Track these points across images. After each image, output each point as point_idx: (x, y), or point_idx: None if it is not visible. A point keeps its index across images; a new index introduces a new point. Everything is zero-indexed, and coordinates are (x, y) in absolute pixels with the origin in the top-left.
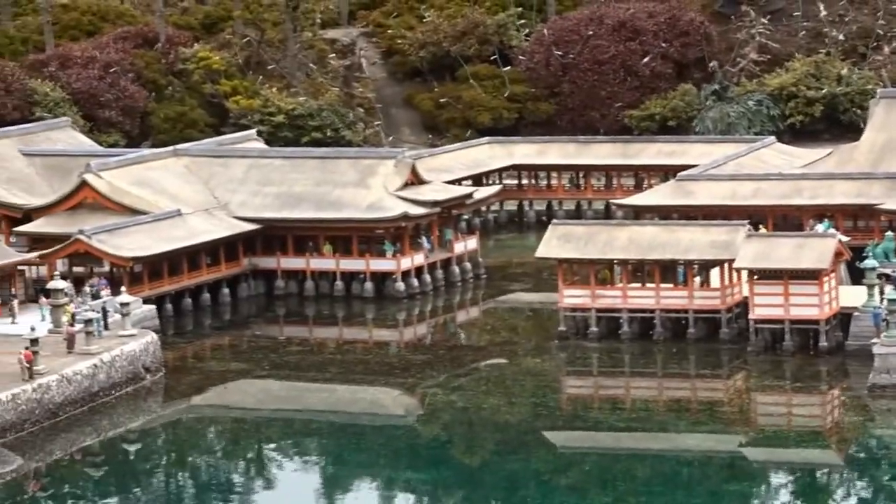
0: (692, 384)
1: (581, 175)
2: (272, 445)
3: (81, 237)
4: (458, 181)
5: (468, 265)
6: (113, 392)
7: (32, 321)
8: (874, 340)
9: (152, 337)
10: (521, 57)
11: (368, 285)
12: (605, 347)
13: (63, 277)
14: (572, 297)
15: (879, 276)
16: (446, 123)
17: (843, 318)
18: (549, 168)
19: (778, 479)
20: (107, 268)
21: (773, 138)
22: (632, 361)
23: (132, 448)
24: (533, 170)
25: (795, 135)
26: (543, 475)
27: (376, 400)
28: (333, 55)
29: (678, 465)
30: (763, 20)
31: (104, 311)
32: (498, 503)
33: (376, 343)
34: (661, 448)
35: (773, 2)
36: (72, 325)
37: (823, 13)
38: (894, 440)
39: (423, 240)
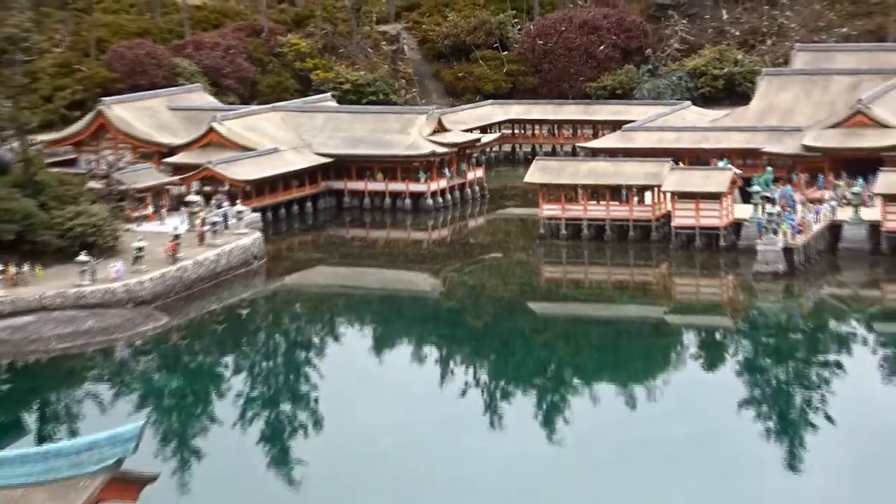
0: (631, 271)
1: (556, 127)
2: (340, 309)
3: (209, 166)
4: (470, 130)
5: (476, 188)
6: (230, 273)
7: (175, 223)
8: (757, 241)
9: (258, 235)
10: (514, 45)
11: (407, 201)
12: (571, 245)
13: (196, 193)
14: (549, 210)
15: (761, 197)
16: (462, 91)
17: (736, 226)
18: (533, 122)
19: (689, 336)
20: (226, 187)
21: (688, 103)
22: (589, 255)
23: (244, 311)
24: (522, 123)
25: (705, 101)
26: (527, 332)
27: (412, 280)
28: (384, 42)
29: (621, 325)
30: (683, 21)
31: (225, 217)
32: (495, 351)
33: (413, 241)
34: (609, 315)
35: (690, 7)
36: (203, 226)
37: (725, 16)
38: (770, 309)
39: (446, 170)
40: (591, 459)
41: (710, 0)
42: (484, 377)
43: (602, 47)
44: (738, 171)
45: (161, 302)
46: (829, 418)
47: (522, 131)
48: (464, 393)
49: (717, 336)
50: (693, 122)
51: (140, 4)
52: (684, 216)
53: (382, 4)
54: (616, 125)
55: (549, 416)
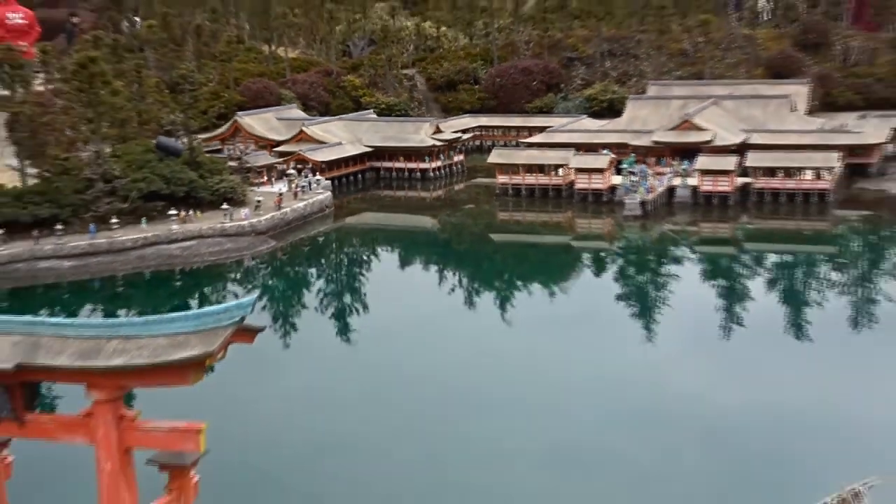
0: (550, 216)
1: (506, 130)
2: (378, 236)
3: (300, 152)
4: (455, 132)
5: (459, 167)
6: (312, 216)
7: (280, 187)
8: (625, 198)
9: (329, 194)
10: (482, 81)
11: (418, 174)
12: (515, 201)
13: (293, 169)
14: (502, 179)
15: (628, 172)
16: (451, 109)
17: (613, 189)
18: (493, 127)
19: (585, 252)
20: (310, 165)
21: (585, 116)
22: (526, 206)
23: (321, 238)
24: (487, 128)
25: (594, 115)
26: (488, 250)
27: (420, 220)
28: (405, 79)
29: (545, 246)
30: (583, 67)
31: (310, 183)
32: (469, 260)
33: (420, 198)
34: (537, 240)
35: (587, 59)
36: (296, 188)
37: (608, 64)
38: (632, 236)
39: (441, 156)
40: (522, 324)
41: (598, 54)
42: (462, 275)
43: (535, 83)
44: (613, 156)
45: (271, 233)
46: (665, 302)
47: (487, 132)
48: (451, 284)
49: (601, 253)
50: (588, 127)
51: (260, 57)
52: (582, 183)
53: (404, 57)
54: (542, 129)
55: (502, 299)
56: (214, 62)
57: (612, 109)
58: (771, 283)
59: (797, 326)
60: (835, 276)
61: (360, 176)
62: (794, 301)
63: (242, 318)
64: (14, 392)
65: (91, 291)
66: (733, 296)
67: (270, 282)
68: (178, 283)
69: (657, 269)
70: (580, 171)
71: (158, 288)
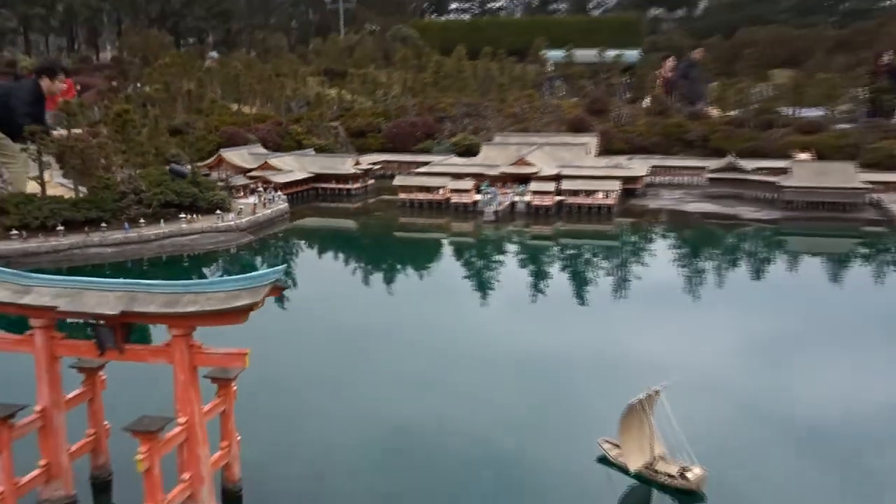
0: (434, 220)
1: (402, 163)
2: (316, 233)
3: (266, 176)
4: (369, 164)
5: (371, 188)
6: (276, 219)
7: (253, 199)
8: (484, 209)
9: (286, 205)
10: (384, 129)
11: (344, 192)
12: (412, 210)
13: (261, 187)
14: (403, 195)
15: (485, 192)
16: (363, 149)
17: (475, 202)
18: (393, 161)
19: (455, 245)
20: (273, 185)
21: (453, 155)
22: (419, 214)
23: (281, 234)
24: (388, 162)
25: (459, 155)
26: (393, 243)
27: (345, 222)
28: (333, 128)
29: (429, 241)
30: (450, 123)
31: (273, 197)
32: (378, 250)
33: (346, 208)
34: (425, 236)
35: (454, 119)
36: (264, 200)
37: (466, 121)
38: (488, 234)
39: (359, 180)
40: (411, 289)
41: (460, 114)
42: (371, 258)
43: (418, 133)
44: (474, 182)
45: (249, 230)
46: (504, 274)
47: (388, 165)
48: (365, 263)
49: (466, 246)
50: (456, 163)
51: (229, 112)
52: (456, 199)
53: (330, 113)
54: (426, 163)
55: (398, 272)
56: (199, 115)
57: (470, 151)
58: (572, 261)
59: (587, 290)
60: (614, 257)
61: (305, 193)
62: (588, 272)
63: (276, 280)
64: (116, 330)
65: (126, 269)
66: (548, 268)
67: (249, 259)
68: (187, 263)
69: (503, 252)
70: (454, 191)
71: (174, 266)
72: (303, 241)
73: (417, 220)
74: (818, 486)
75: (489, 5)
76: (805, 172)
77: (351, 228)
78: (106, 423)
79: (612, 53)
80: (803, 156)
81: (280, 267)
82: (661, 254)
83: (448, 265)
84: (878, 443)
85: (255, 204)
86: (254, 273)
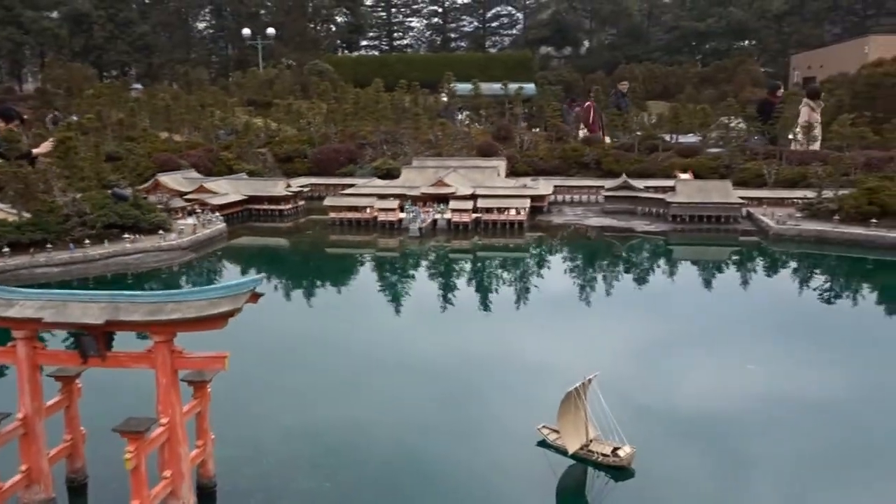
0: (363, 238)
1: (329, 186)
2: (249, 251)
3: (203, 198)
4: (299, 186)
5: (301, 208)
6: (215, 239)
7: (192, 220)
8: (409, 226)
9: (224, 225)
10: (311, 155)
11: (277, 213)
12: (341, 229)
13: (198, 208)
14: (333, 214)
15: (408, 211)
16: (290, 174)
17: (400, 220)
18: (321, 184)
19: (382, 260)
20: (209, 207)
21: (376, 178)
22: (348, 232)
23: (220, 252)
24: (315, 184)
25: (381, 177)
26: (322, 259)
27: (278, 241)
28: (261, 154)
29: (358, 256)
30: (370, 148)
31: (211, 218)
32: (307, 265)
33: (280, 227)
34: (354, 251)
35: (372, 144)
36: (202, 220)
37: (385, 147)
38: (412, 249)
39: (291, 201)
40: (339, 305)
41: (379, 141)
42: (307, 272)
43: (341, 157)
44: (399, 202)
45: (191, 248)
46: (425, 283)
47: (315, 187)
48: (296, 276)
49: (391, 259)
50: (379, 184)
51: (162, 141)
52: (383, 217)
53: (257, 140)
54: (350, 185)
55: (328, 284)
56: (130, 143)
57: (390, 175)
58: (483, 270)
59: (507, 297)
60: (522, 266)
61: (240, 214)
62: (498, 279)
63: (255, 288)
64: (99, 339)
65: (72, 287)
66: (462, 276)
67: (192, 276)
68: (131, 281)
69: (429, 265)
70: (381, 209)
71: (119, 283)
72: (242, 258)
73: (347, 237)
74: (723, 457)
75: (396, 43)
76: (688, 190)
77: (285, 245)
78: (82, 428)
79: (513, 86)
80: (684, 175)
81: (259, 276)
82: (568, 263)
83: (379, 277)
84: (755, 428)
85: (194, 224)
86: (233, 282)
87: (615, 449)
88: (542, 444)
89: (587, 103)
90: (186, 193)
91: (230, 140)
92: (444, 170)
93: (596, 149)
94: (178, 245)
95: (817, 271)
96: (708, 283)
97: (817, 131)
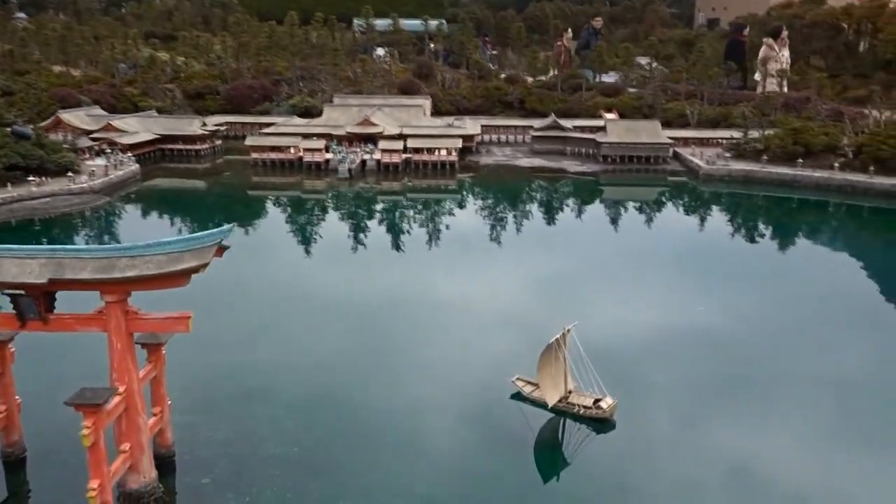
0: (288, 179)
1: (245, 125)
2: (171, 194)
3: (113, 137)
4: (215, 125)
5: (219, 148)
6: (129, 181)
7: (101, 161)
8: (338, 166)
9: (137, 166)
10: (223, 92)
11: (193, 153)
12: (264, 169)
13: (107, 148)
14: (255, 155)
15: (335, 151)
16: (202, 111)
17: (327, 161)
18: (237, 123)
19: (313, 198)
20: (119, 147)
21: (295, 117)
22: (272, 173)
23: (133, 195)
24: (232, 123)
25: (300, 115)
26: (246, 199)
27: (195, 183)
28: (168, 91)
29: (286, 196)
30: (287, 86)
31: (122, 158)
32: (232, 204)
33: (196, 169)
34: (280, 192)
35: (289, 80)
36: (117, 161)
37: (301, 83)
38: (344, 190)
39: (208, 140)
40: (276, 252)
41: (295, 77)
42: (232, 216)
43: (256, 95)
44: (325, 142)
45: (104, 191)
46: (360, 223)
47: (231, 126)
48: (216, 218)
49: (321, 200)
50: (300, 124)
51: (57, 75)
52: (309, 157)
53: (164, 75)
54: (269, 124)
55: (262, 233)
56: (20, 77)
57: (308, 113)
58: (421, 212)
59: (435, 238)
60: (458, 209)
61: (152, 154)
62: (437, 222)
63: (221, 241)
64: (38, 300)
65: None
66: (399, 220)
67: (108, 222)
68: (38, 227)
69: (360, 205)
70: (306, 150)
71: (25, 230)
72: (160, 202)
73: (272, 179)
74: (699, 400)
75: None
76: (618, 130)
77: (204, 188)
78: (17, 397)
79: (434, 23)
80: (610, 115)
81: (227, 227)
82: (504, 206)
83: (313, 221)
84: (707, 354)
85: (106, 165)
86: (197, 234)
87: (596, 400)
88: (517, 396)
89: (558, 42)
90: (92, 132)
91: (132, 75)
92: (369, 108)
93: (519, 87)
94: (90, 188)
95: (746, 211)
96: (647, 225)
97: (779, 69)
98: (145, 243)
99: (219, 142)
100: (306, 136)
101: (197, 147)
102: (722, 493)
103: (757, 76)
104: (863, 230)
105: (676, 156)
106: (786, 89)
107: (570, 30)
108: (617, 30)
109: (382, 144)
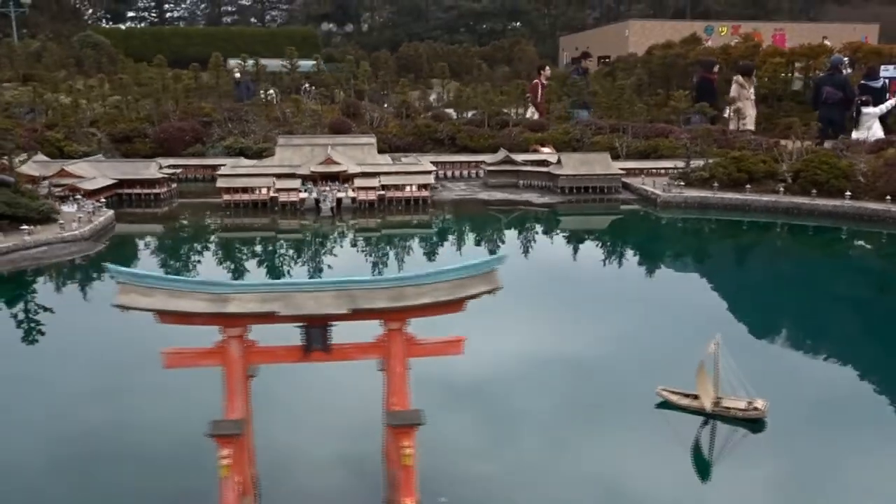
0: (262, 220)
1: (191, 167)
2: (147, 237)
3: (75, 183)
4: (169, 169)
5: (175, 192)
6: (107, 227)
7: (69, 208)
8: (321, 204)
9: (112, 212)
10: (152, 134)
11: (151, 197)
12: (236, 212)
13: (71, 195)
14: (227, 196)
15: (307, 189)
16: (131, 155)
17: (303, 200)
18: (183, 165)
19: (289, 238)
20: (82, 193)
21: (242, 158)
22: (244, 215)
23: (117, 239)
24: (178, 166)
25: (234, 156)
26: (220, 241)
27: (159, 226)
28: (92, 135)
29: (267, 237)
30: (217, 126)
31: (94, 206)
32: (208, 251)
33: (157, 213)
34: (256, 234)
35: (217, 122)
36: (91, 208)
37: (230, 125)
38: (330, 227)
39: (166, 184)
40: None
41: (224, 118)
42: (199, 257)
43: (187, 137)
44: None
45: (92, 238)
46: (345, 256)
47: (178, 169)
48: (234, 265)
49: (301, 238)
50: (254, 164)
51: None
52: (283, 197)
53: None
54: (214, 167)
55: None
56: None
57: (244, 153)
58: (394, 245)
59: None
60: (427, 242)
61: (111, 199)
62: (409, 251)
63: (497, 266)
64: (325, 330)
65: None
66: (370, 251)
67: (114, 262)
68: (30, 278)
69: (346, 240)
70: (281, 190)
71: (40, 277)
72: (150, 247)
73: (250, 220)
74: (850, 405)
75: (168, 15)
76: (573, 162)
77: (181, 231)
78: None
79: (333, 64)
80: (546, 149)
81: (500, 255)
82: (493, 237)
83: (313, 260)
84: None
85: (89, 212)
86: (474, 262)
87: (750, 402)
88: (663, 405)
89: (535, 81)
90: (46, 178)
91: (30, 120)
92: (319, 147)
93: (448, 125)
94: (81, 235)
95: (733, 234)
96: (631, 250)
97: (750, 110)
98: (426, 273)
99: (174, 185)
100: (279, 176)
101: (156, 191)
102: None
103: (727, 113)
104: (830, 245)
105: (626, 185)
106: (750, 125)
107: (547, 67)
108: (493, 70)
109: (359, 182)
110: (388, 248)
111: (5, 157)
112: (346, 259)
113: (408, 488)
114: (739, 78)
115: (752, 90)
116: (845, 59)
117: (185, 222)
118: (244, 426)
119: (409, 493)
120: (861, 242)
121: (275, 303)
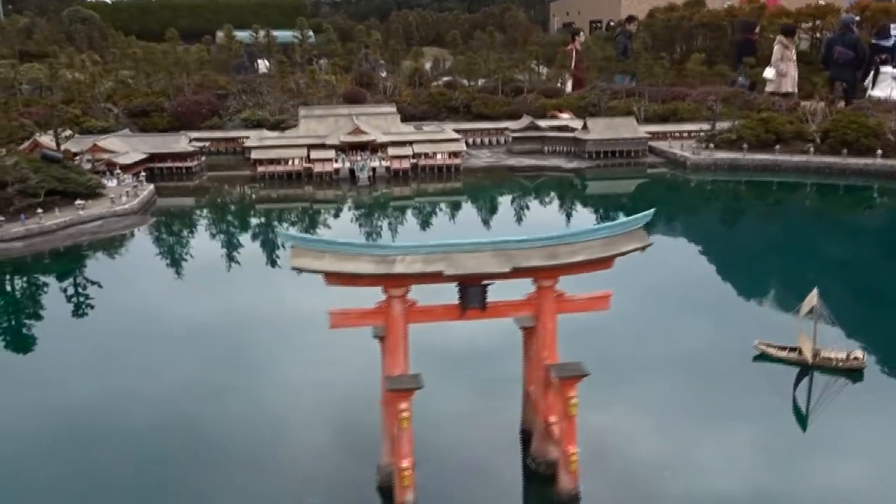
0: (301, 192)
1: (219, 140)
2: (188, 210)
3: (111, 158)
4: (198, 142)
5: (206, 165)
6: (151, 200)
7: (109, 182)
8: (358, 174)
9: (152, 186)
10: (168, 109)
11: (184, 171)
12: (271, 183)
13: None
14: (261, 168)
15: (343, 159)
16: (148, 129)
17: (337, 171)
18: (209, 138)
19: (332, 209)
20: (118, 167)
21: (265, 130)
22: (279, 186)
23: (163, 212)
24: (202, 138)
25: (269, 128)
26: (254, 210)
27: (185, 199)
28: (108, 109)
29: (301, 207)
30: (233, 99)
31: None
32: (243, 212)
33: (189, 184)
34: (291, 204)
35: (233, 94)
36: (135, 182)
37: (244, 97)
38: (363, 198)
39: (195, 156)
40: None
41: (238, 91)
42: (240, 228)
43: (203, 110)
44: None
45: (141, 212)
46: (391, 221)
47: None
48: (228, 232)
49: (346, 207)
50: (270, 136)
51: None
52: (318, 168)
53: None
54: (237, 139)
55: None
56: None
57: (261, 125)
58: (430, 212)
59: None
60: (461, 208)
61: (145, 173)
62: (445, 215)
63: (646, 223)
64: (483, 289)
65: (43, 261)
66: (409, 218)
67: (167, 235)
68: (87, 252)
69: (386, 207)
70: (317, 160)
71: (100, 251)
72: (196, 219)
73: (282, 192)
74: None
75: None
76: (599, 127)
77: (220, 203)
78: None
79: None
80: (564, 115)
81: (648, 212)
82: (542, 200)
83: (371, 227)
84: None
85: (134, 186)
86: (622, 220)
87: (849, 353)
88: (761, 357)
89: (569, 46)
90: (78, 154)
91: (36, 96)
92: (343, 118)
93: (462, 92)
94: (132, 209)
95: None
96: (680, 212)
97: (792, 71)
98: (576, 231)
99: (203, 158)
100: (314, 146)
101: (187, 164)
102: None
103: (768, 75)
104: (869, 202)
105: (652, 149)
106: (795, 89)
107: (582, 33)
108: (492, 38)
109: (392, 151)
110: (459, 211)
111: (51, 133)
112: (413, 225)
113: (570, 437)
114: (783, 38)
115: (793, 51)
116: (856, 17)
117: (205, 195)
118: (421, 380)
119: (572, 441)
120: None
121: (439, 263)
